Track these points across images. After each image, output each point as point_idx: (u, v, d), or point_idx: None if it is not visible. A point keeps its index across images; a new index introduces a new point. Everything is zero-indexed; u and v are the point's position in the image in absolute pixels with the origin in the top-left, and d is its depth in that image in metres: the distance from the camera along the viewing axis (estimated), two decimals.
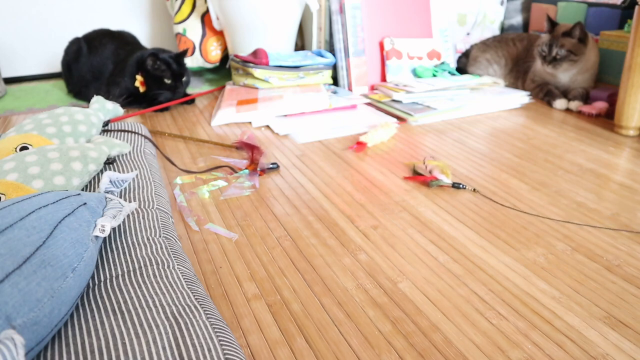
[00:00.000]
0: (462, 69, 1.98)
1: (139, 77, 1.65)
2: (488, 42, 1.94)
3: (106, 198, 0.75)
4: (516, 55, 1.85)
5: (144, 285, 0.64)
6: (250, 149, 1.22)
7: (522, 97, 1.70)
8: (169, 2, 2.04)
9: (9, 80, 2.11)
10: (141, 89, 1.66)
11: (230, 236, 0.94)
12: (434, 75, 1.82)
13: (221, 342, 0.55)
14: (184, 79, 1.68)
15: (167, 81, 1.64)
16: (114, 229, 0.78)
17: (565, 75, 1.68)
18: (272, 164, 1.21)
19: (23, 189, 0.81)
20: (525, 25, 2.17)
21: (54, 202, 0.65)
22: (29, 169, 0.84)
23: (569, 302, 0.76)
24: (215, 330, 0.57)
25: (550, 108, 1.69)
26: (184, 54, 1.68)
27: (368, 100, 1.70)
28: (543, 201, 1.06)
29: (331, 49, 1.89)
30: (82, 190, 0.93)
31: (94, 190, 0.93)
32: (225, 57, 2.06)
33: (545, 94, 1.72)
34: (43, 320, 0.52)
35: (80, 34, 2.14)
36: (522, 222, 0.98)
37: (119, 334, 0.55)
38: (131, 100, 1.68)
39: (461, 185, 1.08)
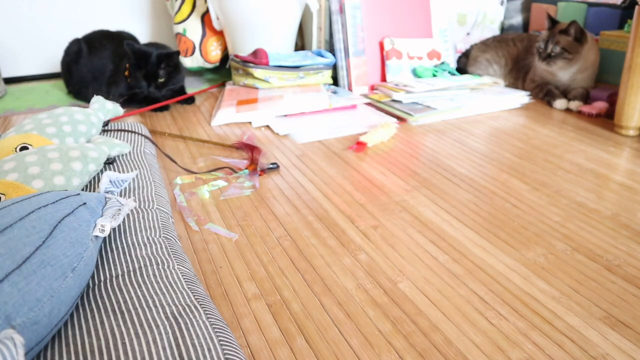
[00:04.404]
0: (462, 69, 1.98)
1: (128, 66, 1.65)
2: (488, 42, 1.94)
3: (106, 198, 0.75)
4: (516, 55, 1.85)
5: (144, 285, 0.64)
6: (250, 149, 1.22)
7: (522, 97, 1.70)
8: (169, 2, 2.04)
9: (9, 80, 2.11)
10: (128, 79, 1.65)
11: (230, 236, 0.94)
12: (434, 75, 1.82)
13: (221, 342, 0.55)
14: (160, 80, 1.62)
15: (141, 79, 1.61)
16: (113, 228, 0.78)
17: (564, 74, 1.68)
18: (272, 164, 1.21)
19: (23, 189, 0.81)
20: (525, 25, 2.17)
21: (53, 202, 0.65)
22: (29, 169, 0.84)
23: (569, 302, 0.75)
24: (215, 330, 0.57)
25: (550, 108, 1.69)
26: (171, 55, 1.63)
27: (368, 100, 1.70)
28: (543, 201, 1.06)
29: (331, 49, 1.89)
30: (82, 190, 0.93)
31: (94, 190, 0.93)
32: (225, 57, 2.06)
33: (545, 94, 1.72)
34: (43, 320, 0.52)
35: (80, 34, 2.14)
36: (522, 222, 0.98)
37: (119, 334, 0.55)
38: (130, 99, 1.68)
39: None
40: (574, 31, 1.59)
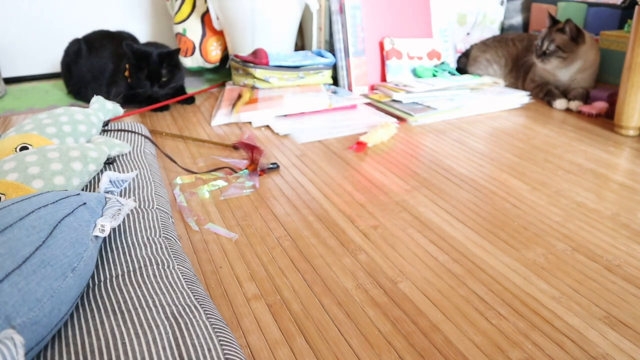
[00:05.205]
0: (462, 69, 1.98)
1: (127, 66, 1.64)
2: (488, 42, 1.94)
3: (106, 198, 0.75)
4: (516, 55, 1.85)
5: (144, 285, 0.64)
6: (250, 149, 1.22)
7: (522, 97, 1.70)
8: (169, 2, 2.04)
9: (9, 80, 2.11)
10: (129, 79, 1.65)
11: (230, 236, 0.94)
12: (434, 75, 1.82)
13: (221, 342, 0.55)
14: (163, 79, 1.62)
15: (143, 79, 1.61)
16: (113, 228, 0.78)
17: (564, 74, 1.68)
18: (272, 164, 1.21)
19: (23, 189, 0.81)
20: (525, 25, 2.17)
21: (53, 202, 0.65)
22: (29, 169, 0.84)
23: (569, 302, 0.75)
24: (215, 330, 0.57)
25: (550, 108, 1.69)
26: (172, 53, 1.63)
27: (368, 100, 1.70)
28: (543, 201, 1.06)
29: (331, 49, 1.89)
30: (82, 190, 0.93)
31: (94, 190, 0.93)
32: (225, 57, 2.06)
33: (545, 94, 1.72)
34: (43, 320, 0.52)
35: (80, 34, 2.14)
36: (522, 222, 0.98)
37: (119, 334, 0.55)
38: (131, 99, 1.68)
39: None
40: (569, 30, 1.60)
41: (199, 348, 0.53)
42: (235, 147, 1.34)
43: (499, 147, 1.36)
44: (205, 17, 1.97)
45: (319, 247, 0.90)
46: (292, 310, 0.74)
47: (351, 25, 1.78)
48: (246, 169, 1.20)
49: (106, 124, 1.23)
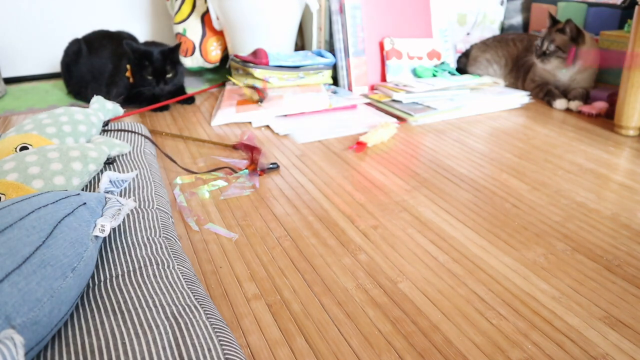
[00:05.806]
0: (462, 69, 1.98)
1: (128, 67, 1.64)
2: (488, 42, 1.94)
3: (106, 198, 0.75)
4: (516, 55, 1.85)
5: (144, 285, 0.64)
6: (250, 149, 1.22)
7: (522, 97, 1.70)
8: (169, 2, 2.04)
9: (9, 80, 2.11)
10: (131, 79, 1.65)
11: (230, 236, 0.93)
12: (434, 75, 1.82)
13: (221, 342, 0.55)
14: (168, 75, 1.63)
15: (148, 77, 1.61)
16: (113, 228, 0.78)
17: (564, 74, 1.68)
18: (272, 164, 1.21)
19: (23, 189, 0.81)
20: (525, 25, 2.17)
21: (53, 202, 0.65)
22: (29, 169, 0.84)
23: (569, 302, 0.75)
24: (215, 330, 0.57)
25: (550, 108, 1.69)
26: (173, 49, 1.64)
27: (368, 100, 1.70)
28: (543, 201, 1.06)
29: (331, 49, 1.89)
30: (82, 190, 0.93)
31: (94, 190, 0.93)
32: (225, 57, 2.06)
33: (545, 94, 1.72)
34: (43, 320, 0.52)
35: (80, 34, 2.14)
36: (522, 222, 0.98)
37: (119, 334, 0.55)
38: (134, 99, 1.68)
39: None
40: (569, 30, 1.60)
41: (199, 348, 0.53)
42: (235, 148, 1.34)
43: (499, 147, 1.36)
44: (205, 17, 1.97)
45: (319, 247, 0.90)
46: (292, 310, 0.74)
47: (351, 25, 1.78)
48: (246, 169, 1.20)
49: (106, 124, 1.23)
